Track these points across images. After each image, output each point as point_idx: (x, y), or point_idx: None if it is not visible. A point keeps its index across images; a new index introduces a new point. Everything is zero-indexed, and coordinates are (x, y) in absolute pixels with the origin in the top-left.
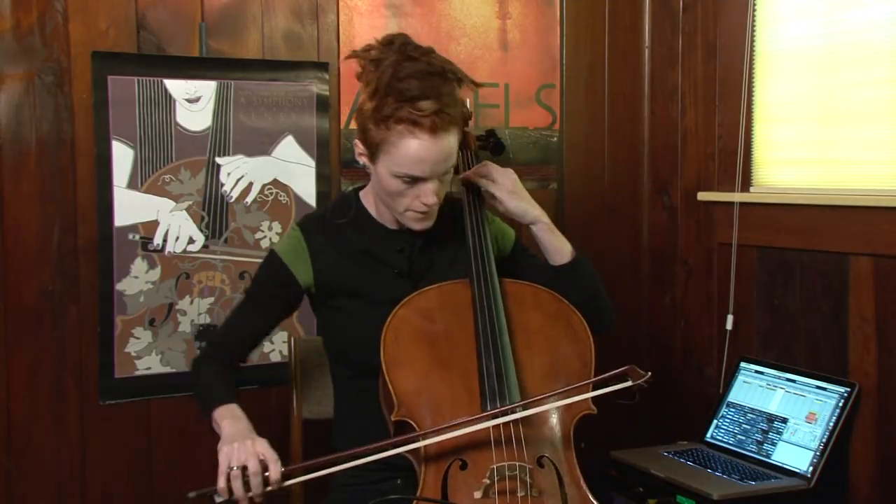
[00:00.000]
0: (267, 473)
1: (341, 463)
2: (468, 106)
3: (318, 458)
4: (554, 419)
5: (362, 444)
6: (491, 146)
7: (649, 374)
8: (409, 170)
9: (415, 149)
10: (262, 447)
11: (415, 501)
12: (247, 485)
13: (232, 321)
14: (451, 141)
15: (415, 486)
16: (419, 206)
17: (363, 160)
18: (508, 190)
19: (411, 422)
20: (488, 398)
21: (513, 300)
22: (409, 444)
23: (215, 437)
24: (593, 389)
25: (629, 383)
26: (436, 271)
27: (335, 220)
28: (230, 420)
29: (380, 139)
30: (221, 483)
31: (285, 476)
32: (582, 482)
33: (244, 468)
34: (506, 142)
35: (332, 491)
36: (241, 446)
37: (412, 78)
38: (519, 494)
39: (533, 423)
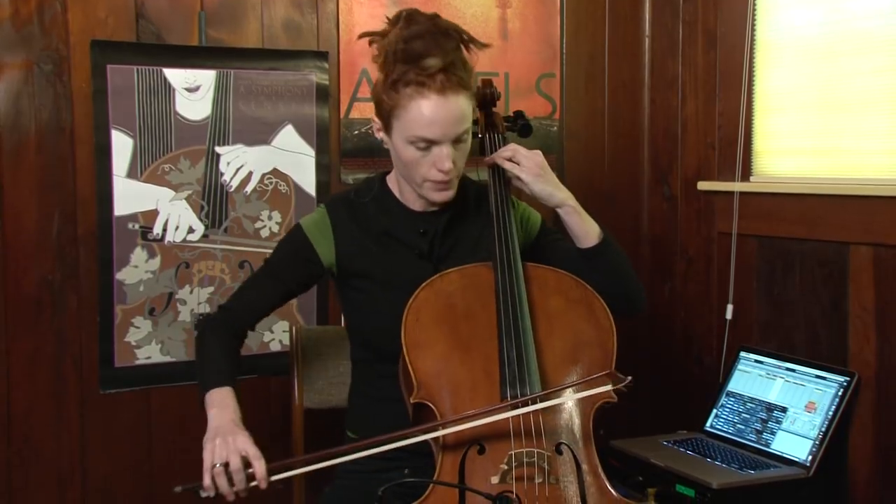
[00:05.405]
0: (251, 470)
1: (341, 456)
2: (496, 88)
3: (319, 451)
4: (573, 408)
5: (374, 430)
6: (518, 128)
7: (629, 378)
8: (421, 132)
9: (424, 110)
10: (244, 443)
11: (430, 485)
12: (231, 481)
13: (247, 289)
14: (461, 103)
15: (423, 476)
16: (436, 175)
17: (380, 135)
18: (534, 173)
19: (430, 404)
20: (508, 384)
21: (535, 284)
22: (421, 434)
23: None
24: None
25: (609, 387)
26: (458, 255)
27: (359, 199)
28: (217, 410)
29: (391, 106)
30: (206, 480)
31: (270, 472)
32: (600, 470)
33: (227, 465)
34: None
35: (336, 478)
36: (222, 443)
37: (416, 38)
38: (536, 481)
39: (552, 411)
